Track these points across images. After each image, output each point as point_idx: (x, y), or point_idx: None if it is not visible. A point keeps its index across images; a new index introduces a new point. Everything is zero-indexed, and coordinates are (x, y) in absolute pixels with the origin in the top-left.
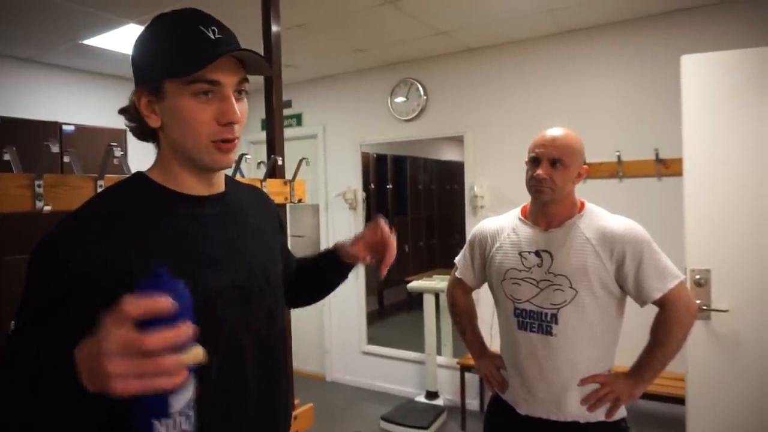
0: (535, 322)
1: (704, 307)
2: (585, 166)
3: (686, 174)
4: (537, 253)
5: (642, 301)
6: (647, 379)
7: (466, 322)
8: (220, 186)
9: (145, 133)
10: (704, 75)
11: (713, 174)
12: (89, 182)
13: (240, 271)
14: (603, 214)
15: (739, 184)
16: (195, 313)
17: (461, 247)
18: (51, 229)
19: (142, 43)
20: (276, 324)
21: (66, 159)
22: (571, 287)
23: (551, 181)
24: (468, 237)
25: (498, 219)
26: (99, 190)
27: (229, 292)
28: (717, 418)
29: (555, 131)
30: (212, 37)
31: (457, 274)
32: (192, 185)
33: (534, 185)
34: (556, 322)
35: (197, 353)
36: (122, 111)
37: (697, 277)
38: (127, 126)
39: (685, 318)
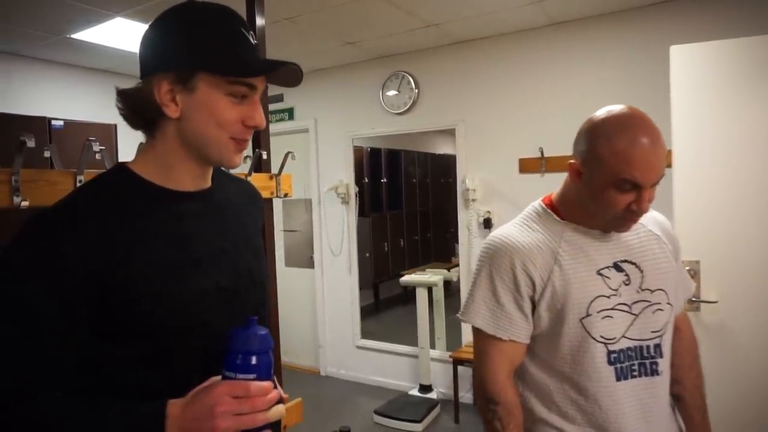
0: (635, 362)
1: (693, 299)
2: None
3: (675, 165)
4: (617, 267)
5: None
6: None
7: (513, 429)
8: (207, 181)
9: (144, 121)
10: (693, 65)
11: (702, 165)
12: (68, 177)
13: (224, 271)
14: None
15: (728, 176)
16: (177, 316)
17: (456, 241)
18: (23, 230)
19: (171, 28)
20: (263, 325)
21: (46, 154)
22: (668, 302)
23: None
24: (481, 268)
25: (519, 229)
26: (78, 185)
27: (214, 295)
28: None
29: (649, 137)
30: (252, 42)
31: (503, 336)
32: (183, 180)
33: (629, 218)
34: (661, 355)
35: (279, 410)
36: (123, 93)
37: (687, 268)
38: (121, 112)
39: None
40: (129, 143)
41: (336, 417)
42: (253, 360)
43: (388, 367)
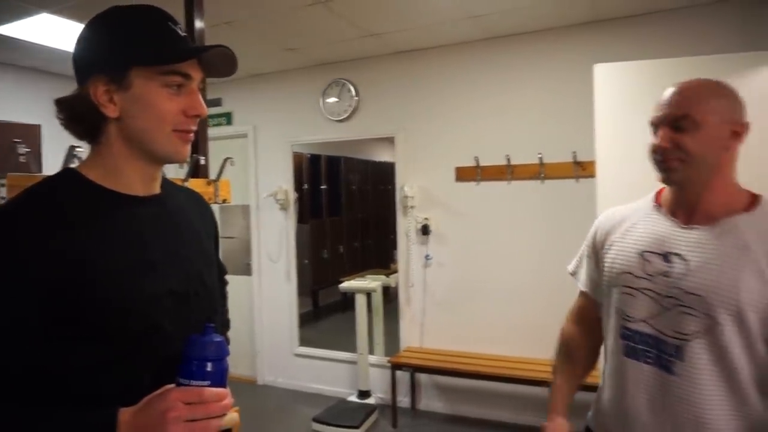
0: (651, 350)
1: None
2: (741, 122)
3: (598, 175)
4: (665, 257)
5: None
6: None
7: (560, 362)
8: (157, 187)
9: (86, 127)
10: (615, 83)
11: (623, 175)
12: None
13: (177, 275)
14: None
15: (647, 185)
16: (131, 319)
17: (395, 247)
18: None
19: (100, 31)
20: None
21: None
22: (706, 313)
23: (677, 148)
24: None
25: (625, 207)
26: (1, 189)
27: (167, 298)
28: None
29: (682, 83)
30: (181, 33)
31: (580, 286)
32: (133, 184)
33: (656, 160)
34: (681, 358)
35: (233, 417)
36: (61, 102)
37: None
38: (61, 122)
39: None
40: (55, 145)
41: (274, 426)
42: (208, 367)
43: (327, 374)
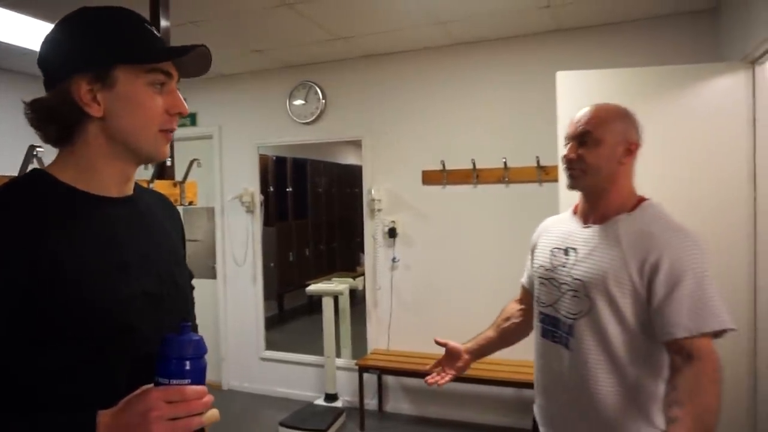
0: (558, 331)
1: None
2: (634, 142)
3: (561, 180)
4: (566, 251)
5: (659, 337)
6: None
7: (493, 323)
8: (131, 188)
9: (60, 127)
10: (576, 90)
11: None
12: None
13: (150, 276)
14: (658, 215)
15: None
16: (107, 321)
17: (361, 250)
18: None
19: (78, 31)
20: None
21: None
22: (587, 296)
23: (581, 160)
24: None
25: (556, 216)
26: None
27: (140, 299)
28: None
29: (591, 106)
30: (158, 34)
31: (521, 280)
32: (107, 185)
33: (565, 169)
34: (572, 335)
35: (214, 413)
36: (36, 103)
37: None
38: (32, 122)
39: (714, 380)
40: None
41: None
42: (187, 365)
43: (294, 378)
